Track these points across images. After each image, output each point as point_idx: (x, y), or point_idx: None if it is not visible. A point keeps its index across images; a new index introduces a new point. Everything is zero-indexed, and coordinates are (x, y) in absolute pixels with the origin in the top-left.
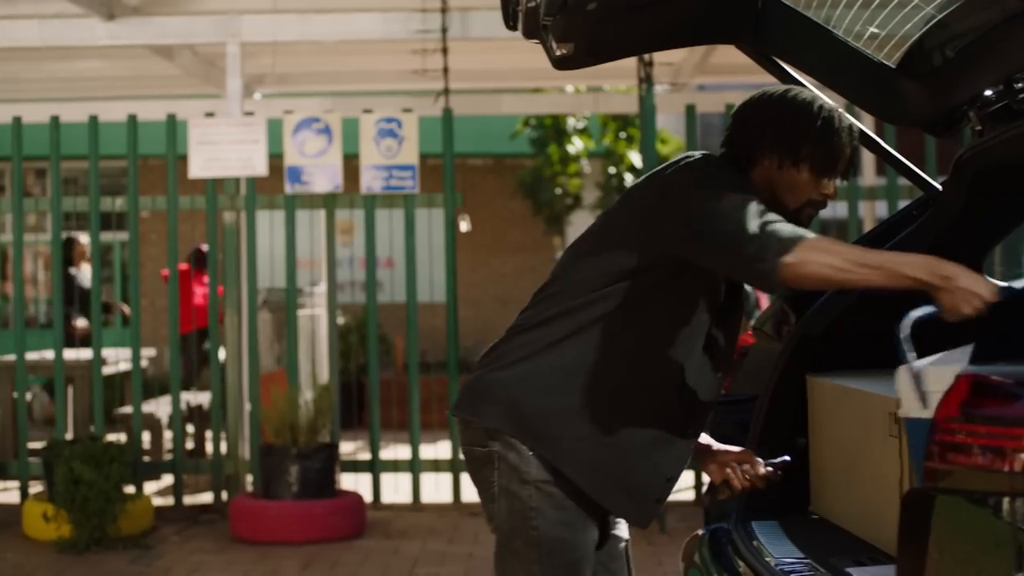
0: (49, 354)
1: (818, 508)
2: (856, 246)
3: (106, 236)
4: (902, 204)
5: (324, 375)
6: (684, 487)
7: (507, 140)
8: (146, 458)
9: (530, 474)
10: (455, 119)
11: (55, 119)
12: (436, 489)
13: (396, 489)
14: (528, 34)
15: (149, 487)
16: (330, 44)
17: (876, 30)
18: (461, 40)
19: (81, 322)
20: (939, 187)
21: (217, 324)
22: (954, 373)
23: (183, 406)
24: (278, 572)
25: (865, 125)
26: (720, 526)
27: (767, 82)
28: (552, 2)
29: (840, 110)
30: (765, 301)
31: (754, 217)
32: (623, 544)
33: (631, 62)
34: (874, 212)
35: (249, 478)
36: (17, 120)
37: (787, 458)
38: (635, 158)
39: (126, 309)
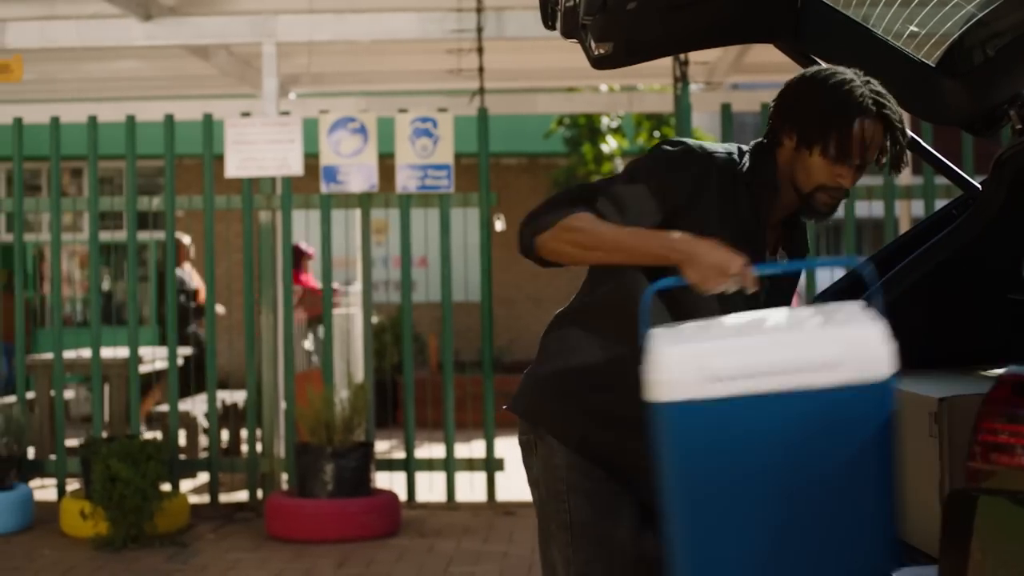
0: (86, 352)
1: None
2: (614, 227)
3: (142, 236)
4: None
5: (359, 374)
6: None
7: (541, 139)
8: (182, 456)
9: (557, 460)
10: (489, 118)
11: (92, 119)
12: (471, 488)
13: (431, 488)
14: (567, 34)
15: (185, 485)
16: (365, 44)
17: (916, 29)
18: (496, 39)
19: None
20: (978, 186)
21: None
22: (686, 356)
23: (218, 404)
24: (313, 570)
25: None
26: None
27: None
28: (592, 2)
29: (880, 96)
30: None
31: (572, 195)
32: None
33: (666, 61)
34: (910, 211)
35: (284, 476)
36: (55, 120)
37: None
38: None
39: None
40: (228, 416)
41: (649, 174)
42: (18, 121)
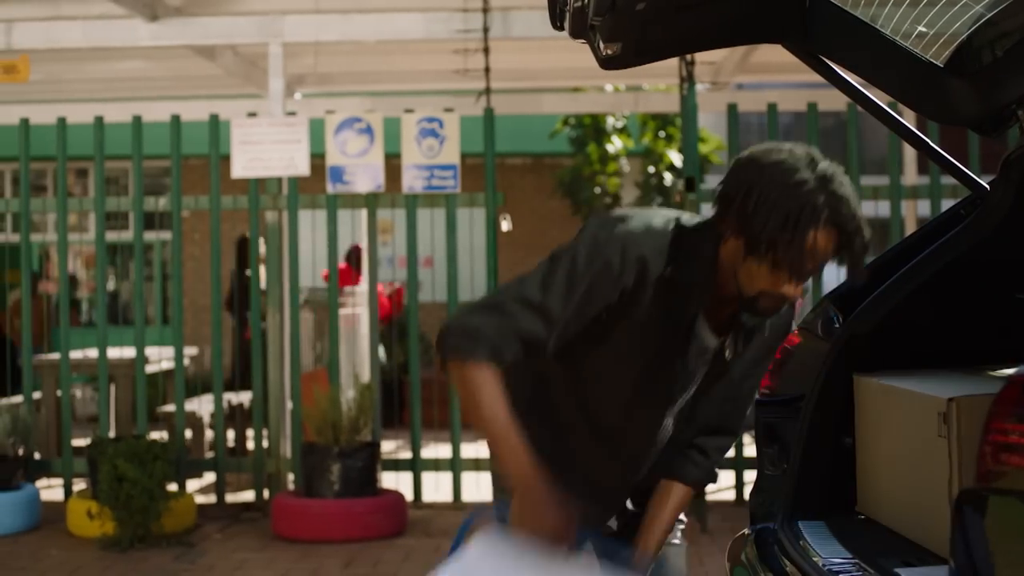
0: (93, 352)
1: (865, 508)
2: (492, 412)
3: (148, 235)
4: (945, 204)
5: (365, 374)
6: (725, 487)
7: (546, 139)
8: (188, 456)
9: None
10: (495, 118)
11: (99, 119)
12: (477, 488)
13: (437, 488)
14: (575, 34)
15: (191, 485)
16: (371, 44)
17: (924, 29)
18: (502, 40)
19: None
20: (986, 186)
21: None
22: None
23: (224, 404)
24: (320, 570)
25: (909, 123)
26: (766, 526)
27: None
28: (601, 2)
29: (836, 199)
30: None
31: (511, 304)
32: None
33: (672, 61)
34: (916, 211)
35: (291, 476)
36: (61, 120)
37: None
38: (674, 157)
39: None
40: (234, 416)
41: (573, 280)
42: (24, 121)
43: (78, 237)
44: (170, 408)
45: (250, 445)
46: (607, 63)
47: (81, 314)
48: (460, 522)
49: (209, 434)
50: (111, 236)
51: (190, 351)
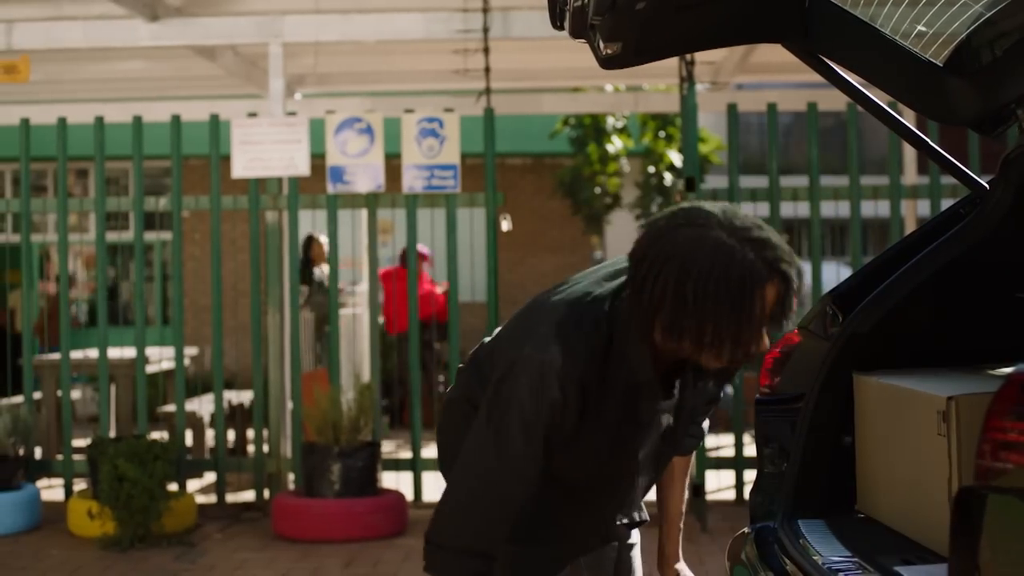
0: (93, 352)
1: (865, 507)
2: None
3: (148, 236)
4: (945, 203)
5: (365, 374)
6: (725, 487)
7: (546, 139)
8: (189, 456)
9: None
10: (495, 118)
11: (99, 119)
12: None
13: (437, 488)
14: (575, 34)
15: (192, 485)
16: (371, 44)
17: (924, 28)
18: (502, 40)
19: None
20: (986, 185)
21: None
22: None
23: (224, 404)
24: (320, 570)
25: (909, 123)
26: (766, 525)
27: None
28: (601, 2)
29: (770, 249)
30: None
31: (495, 504)
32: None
33: (671, 61)
34: (916, 211)
35: (291, 476)
36: (62, 120)
37: None
38: (674, 157)
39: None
40: (235, 416)
41: (529, 434)
42: (25, 122)
43: (78, 237)
44: (170, 408)
45: (250, 445)
46: (607, 63)
47: (81, 315)
48: None
49: (210, 434)
50: (111, 236)
51: (190, 351)
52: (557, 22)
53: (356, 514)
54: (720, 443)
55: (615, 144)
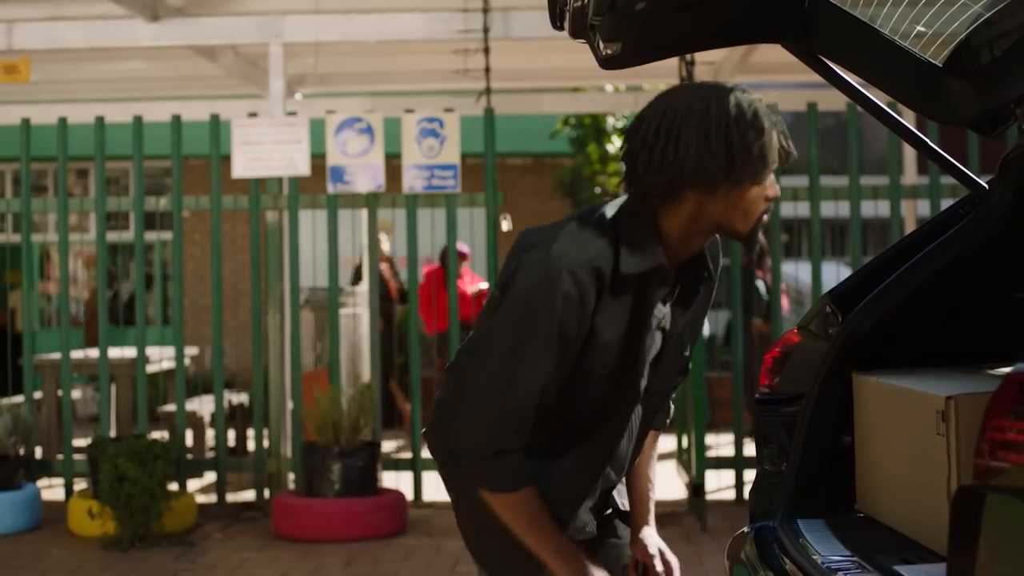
0: (93, 352)
1: (864, 506)
2: (536, 525)
3: (148, 236)
4: (945, 203)
5: (365, 374)
6: (725, 487)
7: (546, 139)
8: (189, 456)
9: None
10: (495, 118)
11: (99, 119)
12: None
13: (437, 487)
14: (575, 34)
15: (192, 484)
16: (372, 44)
17: (923, 28)
18: (502, 40)
19: None
20: (985, 185)
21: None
22: None
23: (224, 404)
24: (320, 570)
25: (909, 123)
26: (766, 524)
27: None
28: (600, 2)
29: (739, 98)
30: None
31: (515, 402)
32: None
33: (671, 61)
34: (916, 211)
35: (291, 476)
36: (62, 120)
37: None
38: None
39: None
40: (235, 416)
41: (548, 334)
42: (25, 122)
43: (79, 237)
44: (171, 408)
45: (251, 445)
46: (607, 63)
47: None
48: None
49: (210, 434)
50: (112, 236)
51: (191, 351)
52: (557, 22)
53: (356, 514)
54: (720, 443)
55: (615, 144)
